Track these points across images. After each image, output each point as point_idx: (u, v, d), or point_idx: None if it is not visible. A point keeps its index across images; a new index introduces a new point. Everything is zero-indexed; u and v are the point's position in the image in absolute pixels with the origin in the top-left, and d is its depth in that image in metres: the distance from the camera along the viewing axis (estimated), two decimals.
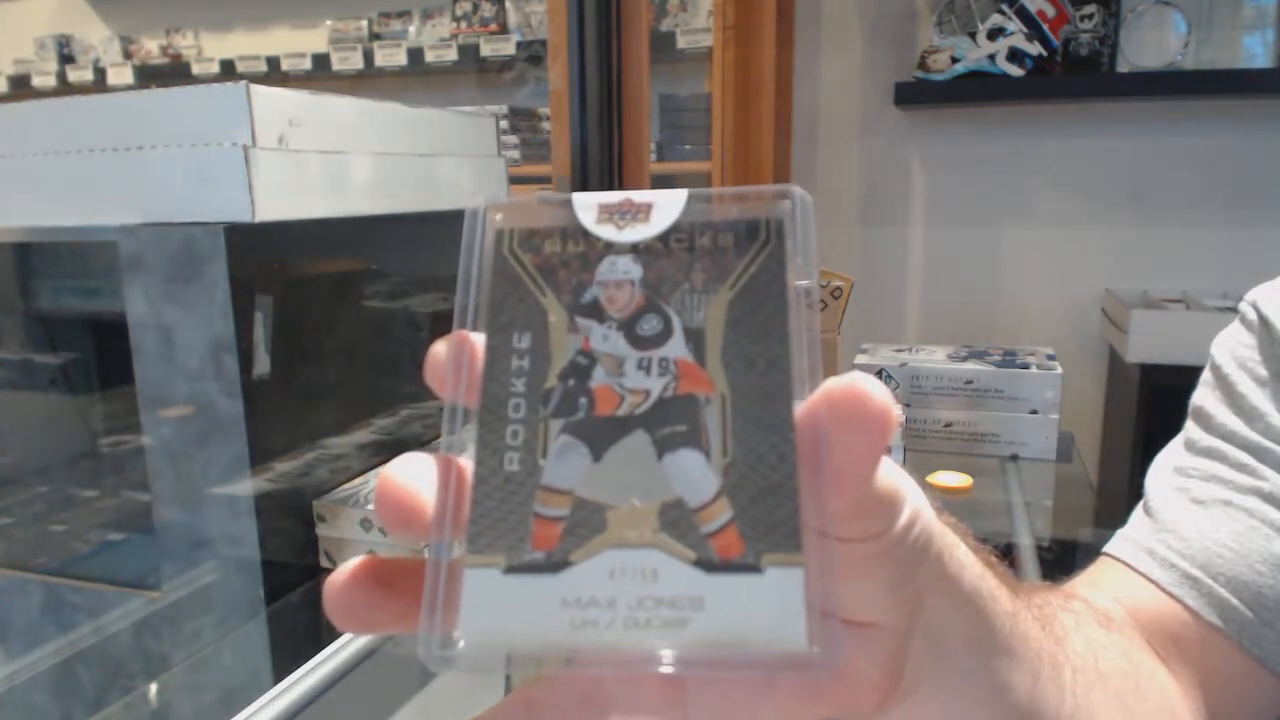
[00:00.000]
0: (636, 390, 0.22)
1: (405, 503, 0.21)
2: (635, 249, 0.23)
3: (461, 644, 0.20)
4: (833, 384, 0.21)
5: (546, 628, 0.20)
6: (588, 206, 0.24)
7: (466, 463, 0.22)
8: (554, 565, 0.20)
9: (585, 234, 0.23)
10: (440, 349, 0.23)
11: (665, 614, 0.20)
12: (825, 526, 0.20)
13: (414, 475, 0.22)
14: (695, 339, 0.22)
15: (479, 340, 0.23)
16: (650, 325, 0.22)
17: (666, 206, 0.23)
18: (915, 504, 0.24)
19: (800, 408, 0.21)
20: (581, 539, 0.20)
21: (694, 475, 0.21)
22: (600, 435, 0.21)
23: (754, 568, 0.20)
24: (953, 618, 0.27)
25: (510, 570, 0.20)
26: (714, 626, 0.20)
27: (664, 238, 0.23)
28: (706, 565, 0.20)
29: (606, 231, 0.23)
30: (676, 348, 0.22)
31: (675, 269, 0.23)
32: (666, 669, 0.20)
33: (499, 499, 0.21)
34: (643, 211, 0.23)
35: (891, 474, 0.23)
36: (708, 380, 0.22)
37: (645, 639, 0.20)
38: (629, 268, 0.23)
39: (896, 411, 0.20)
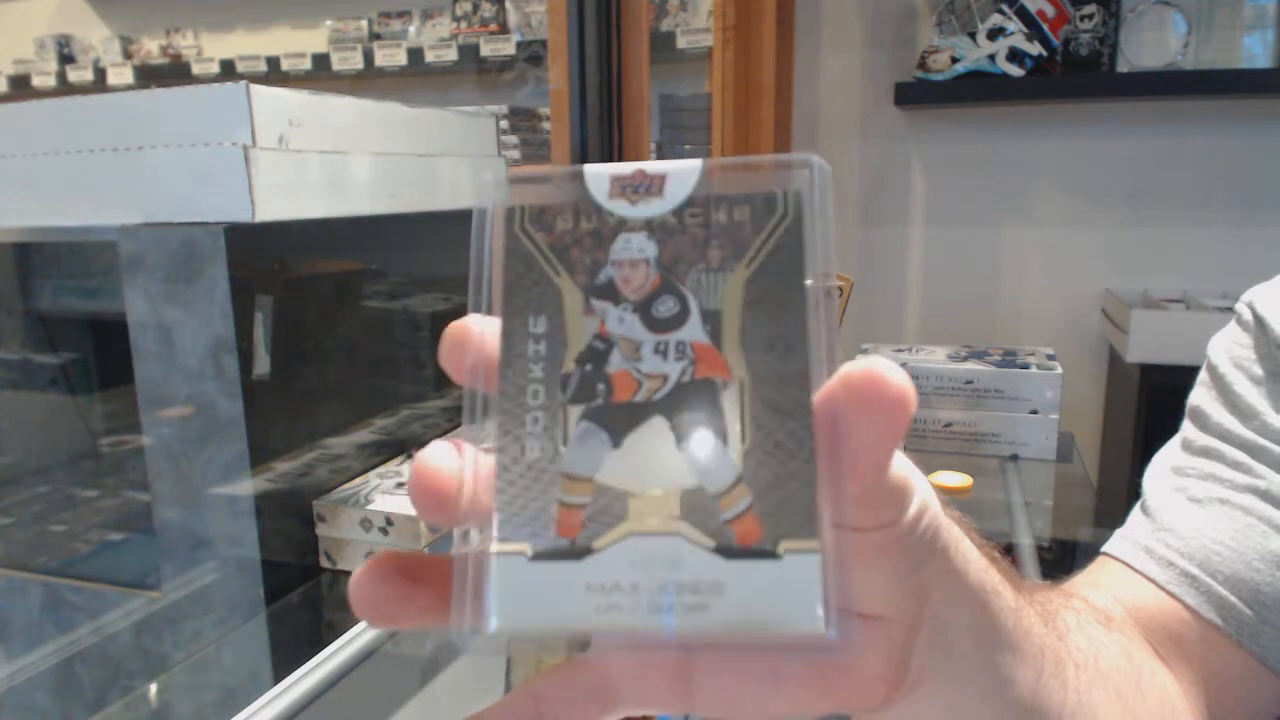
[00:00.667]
0: (654, 375, 0.22)
1: (441, 489, 0.21)
2: (649, 225, 0.23)
3: (491, 629, 0.20)
4: (850, 368, 0.21)
5: (572, 613, 0.20)
6: (600, 179, 0.23)
7: (489, 450, 0.22)
8: (578, 552, 0.21)
9: (598, 210, 0.23)
10: (455, 333, 0.23)
11: (686, 599, 0.20)
12: (842, 514, 0.20)
13: (449, 462, 0.22)
14: (712, 321, 0.22)
15: (494, 324, 0.22)
16: (667, 307, 0.22)
17: (680, 178, 0.23)
18: (924, 495, 0.24)
19: (818, 392, 0.21)
20: (604, 526, 0.21)
21: (713, 462, 0.21)
22: (619, 422, 0.21)
23: (772, 553, 0.20)
24: (958, 612, 0.27)
25: (536, 557, 0.21)
26: (733, 611, 0.20)
27: (678, 212, 0.23)
28: (726, 551, 0.20)
29: (619, 207, 0.23)
30: (693, 330, 0.22)
31: (690, 246, 0.23)
32: (686, 650, 0.20)
33: (523, 486, 0.21)
34: (656, 183, 0.23)
35: (902, 464, 0.23)
36: (725, 365, 0.22)
37: (666, 623, 0.20)
38: (643, 245, 0.23)
39: (914, 395, 0.20)
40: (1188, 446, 0.52)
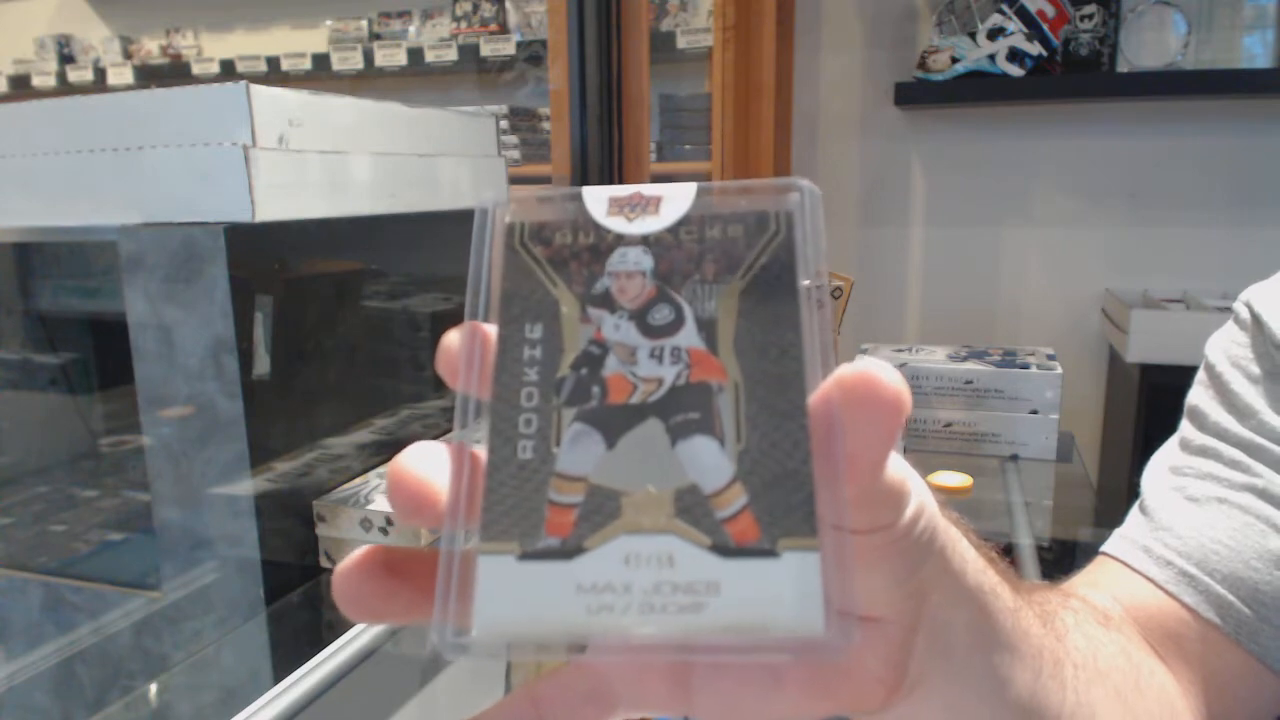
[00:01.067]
0: (649, 378, 0.22)
1: (418, 490, 0.21)
2: (645, 241, 0.23)
3: (475, 631, 0.20)
4: (845, 370, 0.21)
5: (561, 613, 0.20)
6: (598, 200, 0.24)
7: (479, 451, 0.22)
8: (568, 551, 0.20)
9: (596, 226, 0.23)
10: (452, 339, 0.23)
11: (681, 599, 0.20)
12: (839, 516, 0.20)
13: (427, 463, 0.22)
14: (707, 328, 0.22)
15: (491, 331, 0.23)
16: (662, 315, 0.22)
17: (676, 199, 0.24)
18: (921, 497, 0.24)
19: (813, 395, 0.21)
20: (596, 525, 0.20)
21: (708, 461, 0.21)
22: (613, 423, 0.21)
23: (770, 552, 0.20)
24: (956, 613, 0.27)
25: (524, 557, 0.20)
26: (730, 611, 0.19)
27: (674, 230, 0.23)
28: (722, 550, 0.20)
29: (617, 224, 0.23)
30: (688, 337, 0.22)
31: (685, 260, 0.23)
32: (682, 654, 0.20)
33: (513, 486, 0.21)
34: (652, 204, 0.24)
35: (899, 466, 0.23)
36: (720, 368, 0.22)
37: (661, 624, 0.19)
38: (640, 259, 0.23)
39: (909, 396, 0.20)
40: (1186, 446, 0.52)
